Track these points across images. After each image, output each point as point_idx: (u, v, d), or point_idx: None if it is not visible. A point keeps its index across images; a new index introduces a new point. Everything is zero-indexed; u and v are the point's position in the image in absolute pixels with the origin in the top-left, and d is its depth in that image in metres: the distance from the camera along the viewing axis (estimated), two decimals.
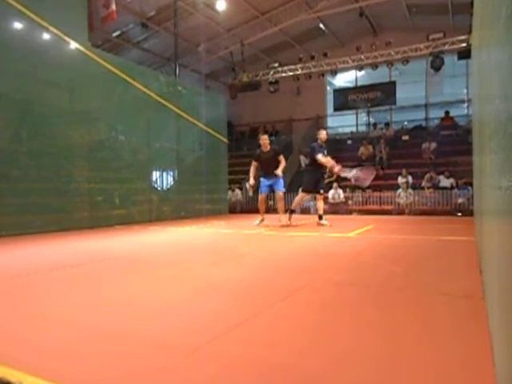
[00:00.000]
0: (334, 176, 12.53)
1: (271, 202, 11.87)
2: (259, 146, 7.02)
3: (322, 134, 6.84)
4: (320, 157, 6.55)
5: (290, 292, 2.45)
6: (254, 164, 7.02)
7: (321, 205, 6.91)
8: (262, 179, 7.00)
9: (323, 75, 14.30)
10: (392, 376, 1.36)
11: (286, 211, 7.09)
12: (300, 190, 7.10)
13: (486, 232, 2.25)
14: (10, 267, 3.59)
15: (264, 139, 6.90)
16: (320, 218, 6.89)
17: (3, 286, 2.84)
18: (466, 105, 14.95)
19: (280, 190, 6.88)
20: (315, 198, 7.17)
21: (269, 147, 6.90)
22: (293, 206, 7.08)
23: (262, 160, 6.92)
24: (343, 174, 6.90)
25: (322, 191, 6.89)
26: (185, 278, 2.99)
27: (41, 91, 6.73)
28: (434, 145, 12.67)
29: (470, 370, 1.41)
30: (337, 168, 6.61)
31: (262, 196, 6.98)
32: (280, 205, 6.94)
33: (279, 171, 6.70)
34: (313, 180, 6.81)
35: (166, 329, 1.86)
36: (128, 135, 8.69)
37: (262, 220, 7.06)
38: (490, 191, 1.68)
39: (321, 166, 6.73)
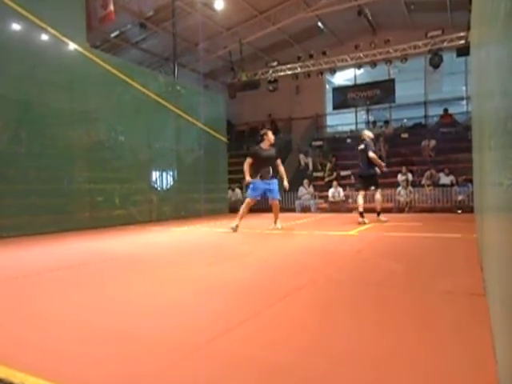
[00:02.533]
0: (334, 174, 12.58)
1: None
2: (258, 142, 6.36)
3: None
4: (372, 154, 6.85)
5: (290, 291, 2.45)
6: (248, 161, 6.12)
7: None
8: (256, 181, 6.07)
9: (322, 74, 14.30)
10: (392, 376, 1.36)
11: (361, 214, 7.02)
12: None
13: (487, 229, 2.24)
14: (11, 268, 3.58)
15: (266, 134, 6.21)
16: (378, 214, 7.28)
17: (5, 287, 2.84)
18: (464, 102, 14.93)
19: (276, 198, 6.20)
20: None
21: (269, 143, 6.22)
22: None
23: (261, 158, 6.06)
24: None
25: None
26: (185, 278, 2.98)
27: (40, 92, 6.72)
28: (433, 142, 12.65)
29: (471, 368, 1.40)
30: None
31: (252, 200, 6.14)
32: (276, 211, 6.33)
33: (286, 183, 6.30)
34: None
35: (167, 329, 1.85)
36: (127, 135, 8.69)
37: (237, 226, 6.12)
38: (491, 188, 1.68)
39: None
